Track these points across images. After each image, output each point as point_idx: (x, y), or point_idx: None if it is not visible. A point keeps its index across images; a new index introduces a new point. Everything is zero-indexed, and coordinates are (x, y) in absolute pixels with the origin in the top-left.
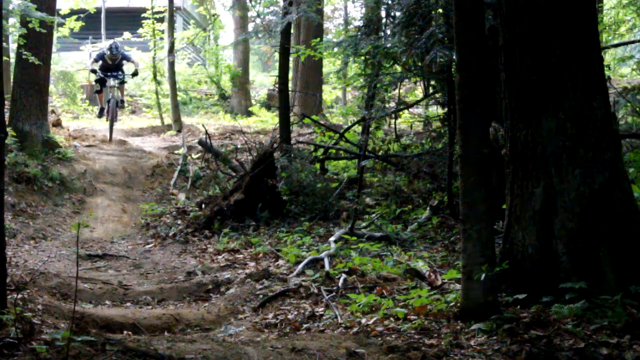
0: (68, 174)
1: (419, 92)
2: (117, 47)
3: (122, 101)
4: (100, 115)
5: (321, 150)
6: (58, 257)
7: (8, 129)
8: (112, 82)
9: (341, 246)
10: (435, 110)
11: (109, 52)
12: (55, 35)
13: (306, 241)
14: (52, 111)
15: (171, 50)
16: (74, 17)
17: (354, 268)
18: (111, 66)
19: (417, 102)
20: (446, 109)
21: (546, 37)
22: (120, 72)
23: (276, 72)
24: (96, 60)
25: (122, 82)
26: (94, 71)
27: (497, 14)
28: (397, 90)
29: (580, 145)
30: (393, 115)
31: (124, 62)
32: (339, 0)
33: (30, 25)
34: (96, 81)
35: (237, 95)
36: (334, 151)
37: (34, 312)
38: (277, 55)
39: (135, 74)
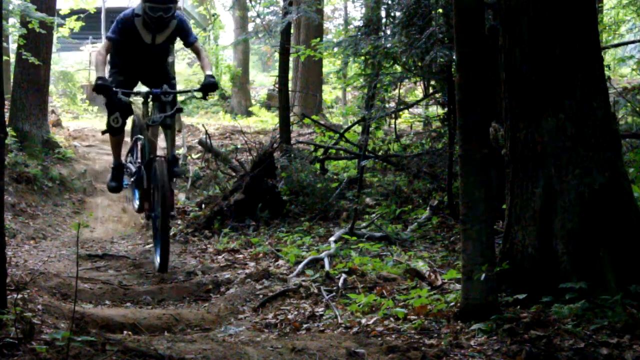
0: (68, 174)
1: (419, 92)
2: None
3: (176, 163)
4: (113, 188)
5: (321, 150)
6: (58, 257)
7: (8, 129)
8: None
9: (341, 246)
10: (435, 110)
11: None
12: (55, 35)
13: (306, 241)
14: (52, 111)
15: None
16: (74, 17)
17: (354, 268)
18: (147, 62)
19: (417, 102)
20: (446, 109)
21: (546, 37)
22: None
23: (276, 72)
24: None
25: (174, 112)
26: (101, 86)
27: (497, 14)
28: (397, 90)
29: (580, 145)
30: (393, 115)
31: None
32: (339, 0)
33: (30, 26)
34: (109, 104)
35: (237, 95)
36: (334, 151)
37: (34, 312)
38: (277, 55)
39: (211, 86)
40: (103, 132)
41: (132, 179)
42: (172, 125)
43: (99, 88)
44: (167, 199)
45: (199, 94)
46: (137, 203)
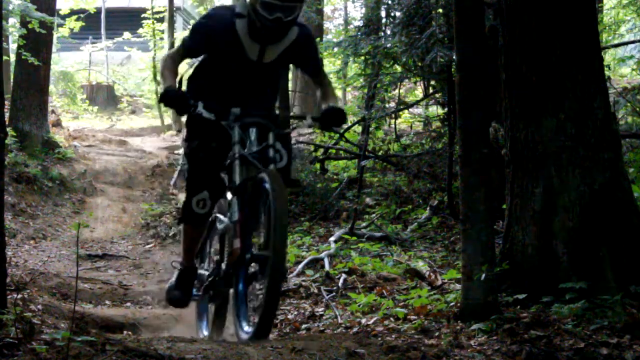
0: (68, 174)
1: (419, 92)
2: None
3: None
4: (176, 300)
5: (321, 150)
6: (58, 257)
7: (8, 129)
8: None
9: (341, 246)
10: (435, 110)
11: None
12: (55, 35)
13: (306, 241)
14: (52, 111)
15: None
16: (74, 17)
17: (354, 268)
18: (247, 92)
19: (417, 102)
20: (446, 109)
21: (546, 37)
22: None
23: None
24: (189, 50)
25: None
26: (171, 96)
27: (497, 14)
28: (397, 90)
29: (580, 145)
30: (393, 115)
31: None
32: (339, 0)
33: (30, 26)
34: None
35: None
36: (334, 151)
37: (34, 312)
38: None
39: (337, 115)
40: (179, 222)
41: (203, 287)
42: (276, 159)
43: (168, 98)
44: (285, 235)
45: (313, 122)
46: (205, 328)
